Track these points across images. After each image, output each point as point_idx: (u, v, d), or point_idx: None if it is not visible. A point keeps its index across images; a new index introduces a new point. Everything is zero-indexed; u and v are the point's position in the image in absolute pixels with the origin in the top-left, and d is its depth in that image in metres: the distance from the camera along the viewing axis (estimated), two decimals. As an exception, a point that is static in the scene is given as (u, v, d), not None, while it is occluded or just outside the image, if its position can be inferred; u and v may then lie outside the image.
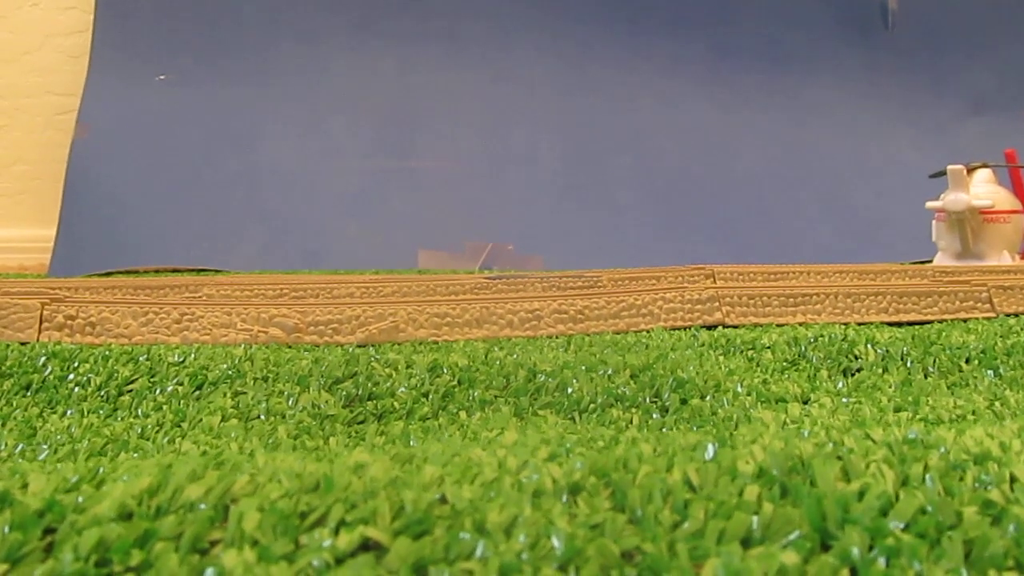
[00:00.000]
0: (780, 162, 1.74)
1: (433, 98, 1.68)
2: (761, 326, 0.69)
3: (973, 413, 0.43)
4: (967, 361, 0.55)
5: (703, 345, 0.59)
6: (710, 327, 0.71)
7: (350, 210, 1.57)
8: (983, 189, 1.14)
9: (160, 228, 1.50)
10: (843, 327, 0.64)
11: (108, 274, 1.37)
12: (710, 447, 0.31)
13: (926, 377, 0.53)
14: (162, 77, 1.58)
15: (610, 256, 1.49)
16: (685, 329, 0.67)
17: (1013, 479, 0.28)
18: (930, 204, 1.15)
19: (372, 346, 0.63)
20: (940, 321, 0.75)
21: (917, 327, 0.68)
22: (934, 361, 0.54)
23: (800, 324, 0.69)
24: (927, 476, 0.28)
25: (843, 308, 0.77)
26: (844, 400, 0.47)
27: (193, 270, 1.43)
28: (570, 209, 1.63)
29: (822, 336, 0.59)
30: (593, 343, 0.62)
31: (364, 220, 1.57)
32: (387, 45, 1.68)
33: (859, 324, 0.72)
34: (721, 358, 0.56)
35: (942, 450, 0.30)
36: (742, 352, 0.57)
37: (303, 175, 1.60)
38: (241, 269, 1.43)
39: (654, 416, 0.46)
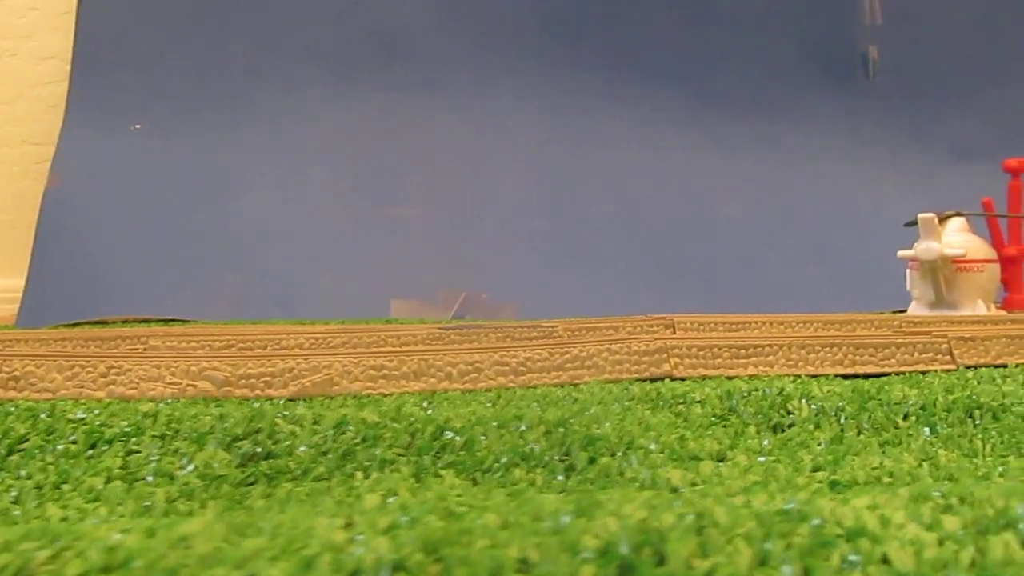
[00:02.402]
0: (763, 210, 1.73)
1: (412, 146, 1.67)
2: (704, 379, 0.67)
3: (890, 475, 0.40)
4: (904, 417, 0.52)
5: (633, 399, 0.57)
6: (656, 379, 0.69)
7: (326, 259, 1.56)
8: (956, 238, 1.12)
9: (133, 278, 1.49)
10: (780, 380, 0.62)
11: (75, 324, 1.35)
12: (564, 518, 0.28)
13: (859, 434, 0.50)
14: (138, 126, 1.58)
15: (588, 304, 1.46)
16: (618, 382, 0.64)
17: (885, 559, 0.26)
18: (902, 253, 1.13)
19: (281, 401, 0.61)
20: (898, 374, 0.72)
21: (861, 380, 0.65)
22: (869, 417, 0.52)
23: (738, 377, 0.66)
24: (785, 555, 0.25)
25: (796, 360, 0.74)
26: (760, 459, 0.44)
27: (163, 320, 1.41)
28: (549, 257, 1.61)
29: (756, 390, 0.56)
30: (525, 396, 0.60)
31: (340, 269, 1.55)
32: (366, 94, 1.67)
33: (811, 376, 0.70)
34: (647, 412, 0.53)
35: (815, 523, 0.28)
36: (671, 407, 0.55)
37: (280, 224, 1.58)
38: (215, 319, 1.41)
39: (558, 477, 0.43)
